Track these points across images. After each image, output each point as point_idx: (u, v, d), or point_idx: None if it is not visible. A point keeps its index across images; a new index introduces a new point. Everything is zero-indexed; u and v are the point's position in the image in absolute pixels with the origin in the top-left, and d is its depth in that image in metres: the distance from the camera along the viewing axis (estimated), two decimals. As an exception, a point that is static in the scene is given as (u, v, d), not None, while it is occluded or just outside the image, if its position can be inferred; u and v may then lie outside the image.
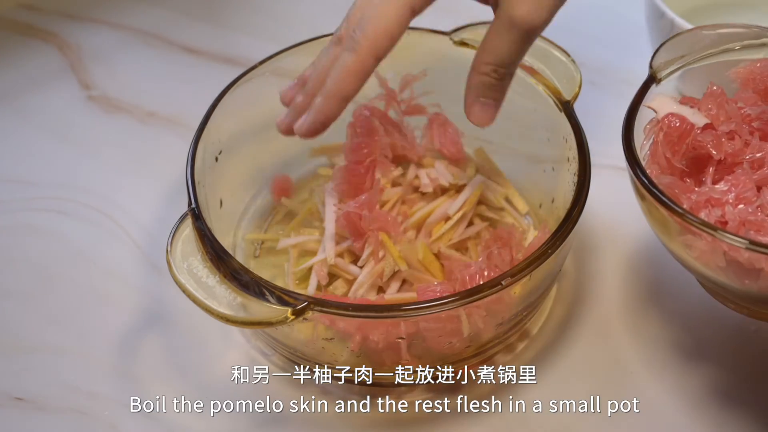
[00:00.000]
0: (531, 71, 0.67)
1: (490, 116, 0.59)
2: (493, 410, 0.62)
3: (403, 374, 0.61)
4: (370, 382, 0.62)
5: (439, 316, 0.57)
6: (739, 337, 0.65)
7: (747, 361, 0.64)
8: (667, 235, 0.58)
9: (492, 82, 0.58)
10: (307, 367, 0.62)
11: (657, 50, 0.65)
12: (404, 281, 0.65)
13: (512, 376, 0.64)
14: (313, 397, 0.63)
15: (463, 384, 0.63)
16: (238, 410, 0.62)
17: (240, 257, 0.68)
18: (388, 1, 0.55)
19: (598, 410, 0.62)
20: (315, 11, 0.90)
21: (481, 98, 0.58)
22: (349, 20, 0.57)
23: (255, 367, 0.64)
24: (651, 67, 0.64)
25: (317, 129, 0.59)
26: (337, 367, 0.61)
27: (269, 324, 0.54)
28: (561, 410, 0.62)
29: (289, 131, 0.61)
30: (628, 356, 0.64)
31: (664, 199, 0.56)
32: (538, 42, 0.67)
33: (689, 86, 0.67)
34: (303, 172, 0.74)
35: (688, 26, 0.74)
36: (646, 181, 0.57)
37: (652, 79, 0.64)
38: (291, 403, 0.63)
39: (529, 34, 0.56)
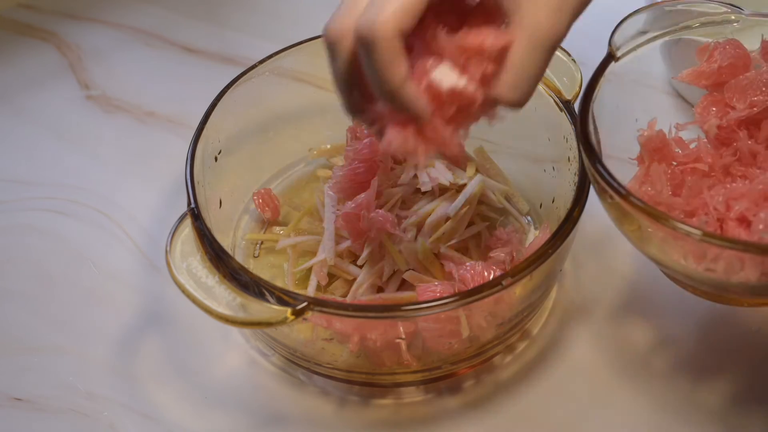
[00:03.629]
0: (531, 70, 0.67)
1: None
2: (493, 410, 0.62)
3: (403, 374, 0.62)
4: (370, 383, 0.62)
5: (438, 317, 0.56)
6: (741, 336, 0.65)
7: (749, 361, 0.64)
8: (636, 236, 0.58)
9: (510, 103, 0.53)
10: (307, 367, 0.62)
11: (616, 27, 0.64)
12: (404, 281, 0.65)
13: (512, 376, 0.63)
14: (313, 397, 0.63)
15: (463, 384, 0.63)
16: (238, 411, 0.62)
17: (239, 257, 0.68)
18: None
19: (598, 410, 0.62)
20: (315, 11, 0.90)
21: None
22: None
23: (255, 367, 0.64)
24: (609, 44, 0.63)
25: (426, 106, 0.52)
26: (336, 368, 0.61)
27: (269, 324, 0.54)
28: (561, 410, 0.62)
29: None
30: (629, 356, 0.64)
31: (610, 180, 0.55)
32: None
33: (649, 64, 0.66)
34: (302, 172, 0.74)
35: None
36: (596, 164, 0.56)
37: (610, 57, 0.63)
38: (291, 403, 0.63)
39: (552, 46, 0.51)
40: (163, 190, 0.75)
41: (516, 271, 0.56)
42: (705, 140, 0.63)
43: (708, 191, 0.58)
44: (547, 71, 0.66)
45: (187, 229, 0.58)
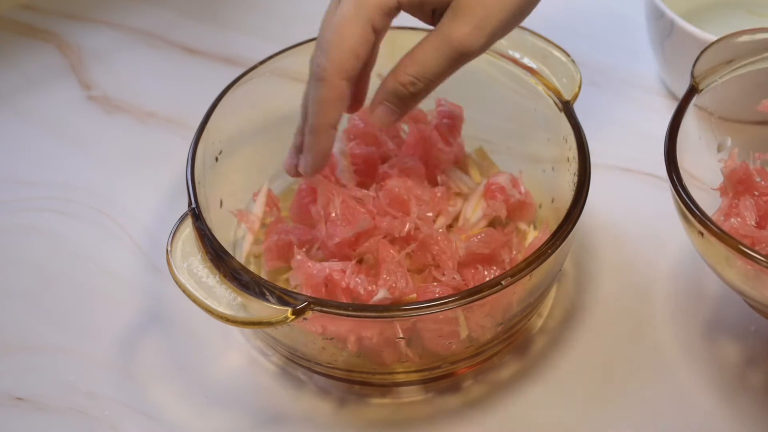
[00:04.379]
0: (531, 71, 0.67)
1: (390, 121, 0.59)
2: (493, 410, 0.62)
3: (403, 374, 0.62)
4: (370, 382, 0.62)
5: (436, 317, 0.56)
6: (739, 335, 0.65)
7: (748, 359, 0.64)
8: (722, 267, 0.58)
9: (405, 93, 0.57)
10: (307, 366, 0.62)
11: (697, 59, 0.64)
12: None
13: (512, 376, 0.64)
14: (313, 397, 0.63)
15: (463, 384, 0.63)
16: (238, 410, 0.62)
17: (240, 257, 0.68)
18: (347, 22, 0.55)
19: (598, 410, 0.62)
20: (315, 11, 0.90)
21: (388, 103, 0.58)
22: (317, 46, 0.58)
23: (255, 367, 0.64)
24: (692, 76, 0.63)
25: (318, 164, 0.59)
26: (336, 367, 0.61)
27: (269, 324, 0.54)
28: (561, 410, 0.62)
29: (296, 173, 0.62)
30: (628, 356, 0.64)
31: (698, 213, 0.56)
32: (538, 42, 0.68)
33: (727, 95, 0.66)
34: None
35: (688, 26, 0.73)
36: (685, 196, 0.57)
37: (693, 90, 0.63)
38: (291, 403, 0.63)
39: (461, 56, 0.56)
40: (163, 190, 0.75)
41: (515, 271, 0.56)
42: None
43: None
44: (547, 71, 0.67)
45: (188, 229, 0.58)
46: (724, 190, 0.63)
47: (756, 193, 0.63)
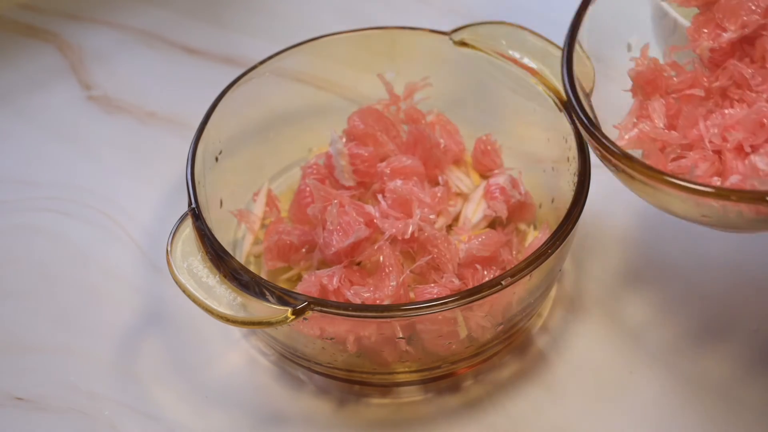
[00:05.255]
0: (531, 71, 0.67)
1: None
2: (493, 410, 0.62)
3: (403, 374, 0.62)
4: (370, 382, 0.63)
5: (435, 318, 0.57)
6: (739, 336, 0.65)
7: (747, 359, 0.64)
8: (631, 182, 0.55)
9: None
10: (307, 366, 0.63)
11: None
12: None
13: (512, 375, 0.64)
14: (312, 396, 0.63)
15: (463, 384, 0.63)
16: (237, 410, 0.62)
17: (240, 257, 0.68)
18: None
19: (598, 410, 0.62)
20: (315, 11, 0.90)
21: None
22: None
23: (255, 366, 0.65)
24: None
25: None
26: (336, 367, 0.61)
27: (269, 324, 0.54)
28: (561, 410, 0.62)
29: None
30: (628, 356, 0.64)
31: (593, 130, 0.53)
32: (538, 42, 0.68)
33: None
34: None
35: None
36: (584, 119, 0.54)
37: None
38: (291, 402, 0.63)
39: None
40: (163, 190, 0.75)
41: (515, 271, 0.56)
42: (700, 63, 0.59)
43: (704, 122, 0.55)
44: (546, 72, 0.67)
45: (188, 229, 0.58)
46: (635, 91, 0.59)
47: (670, 91, 0.58)
